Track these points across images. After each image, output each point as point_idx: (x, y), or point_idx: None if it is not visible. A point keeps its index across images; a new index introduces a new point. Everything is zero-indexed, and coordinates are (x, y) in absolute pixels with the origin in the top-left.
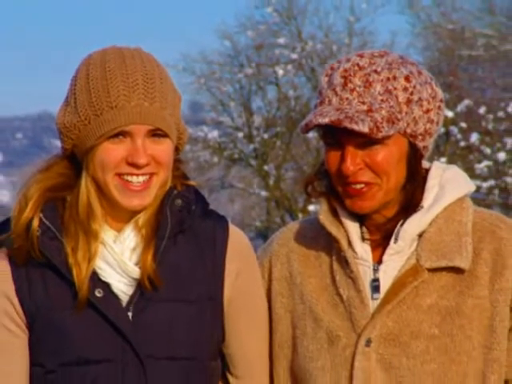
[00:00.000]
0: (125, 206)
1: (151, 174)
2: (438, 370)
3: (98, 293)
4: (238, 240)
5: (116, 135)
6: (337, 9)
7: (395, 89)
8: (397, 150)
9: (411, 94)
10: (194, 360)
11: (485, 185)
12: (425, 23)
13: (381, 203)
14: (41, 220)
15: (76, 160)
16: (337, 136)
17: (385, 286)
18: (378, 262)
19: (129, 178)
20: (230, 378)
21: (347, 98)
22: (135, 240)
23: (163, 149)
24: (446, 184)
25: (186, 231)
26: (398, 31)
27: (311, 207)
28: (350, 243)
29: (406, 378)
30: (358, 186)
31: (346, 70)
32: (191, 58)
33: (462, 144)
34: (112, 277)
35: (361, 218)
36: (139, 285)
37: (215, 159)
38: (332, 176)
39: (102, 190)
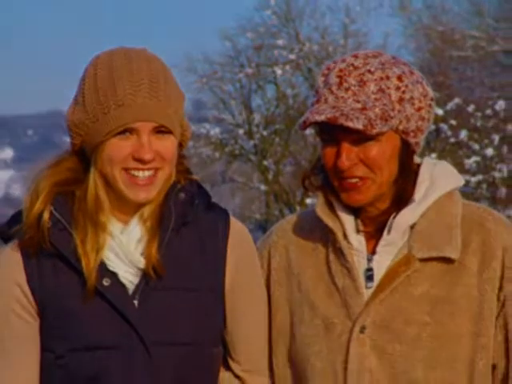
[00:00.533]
0: (131, 200)
1: (156, 169)
2: (429, 355)
3: (106, 282)
4: (238, 231)
5: (123, 132)
6: (332, 11)
7: (388, 88)
8: (390, 146)
9: (403, 92)
10: (197, 346)
11: (473, 179)
12: (416, 25)
13: (374, 196)
14: (51, 212)
15: (84, 156)
16: (333, 133)
17: (378, 275)
18: (372, 252)
19: (135, 172)
20: (232, 364)
21: (342, 97)
22: (140, 232)
23: (167, 145)
24: (437, 178)
25: (189, 223)
26: (390, 33)
27: (308, 200)
28: (345, 235)
29: (399, 364)
30: (353, 180)
31: (341, 70)
32: (194, 58)
33: (452, 140)
34: (119, 267)
35: (355, 211)
36: (144, 274)
37: (217, 155)
38: (328, 171)
39: (109, 184)
